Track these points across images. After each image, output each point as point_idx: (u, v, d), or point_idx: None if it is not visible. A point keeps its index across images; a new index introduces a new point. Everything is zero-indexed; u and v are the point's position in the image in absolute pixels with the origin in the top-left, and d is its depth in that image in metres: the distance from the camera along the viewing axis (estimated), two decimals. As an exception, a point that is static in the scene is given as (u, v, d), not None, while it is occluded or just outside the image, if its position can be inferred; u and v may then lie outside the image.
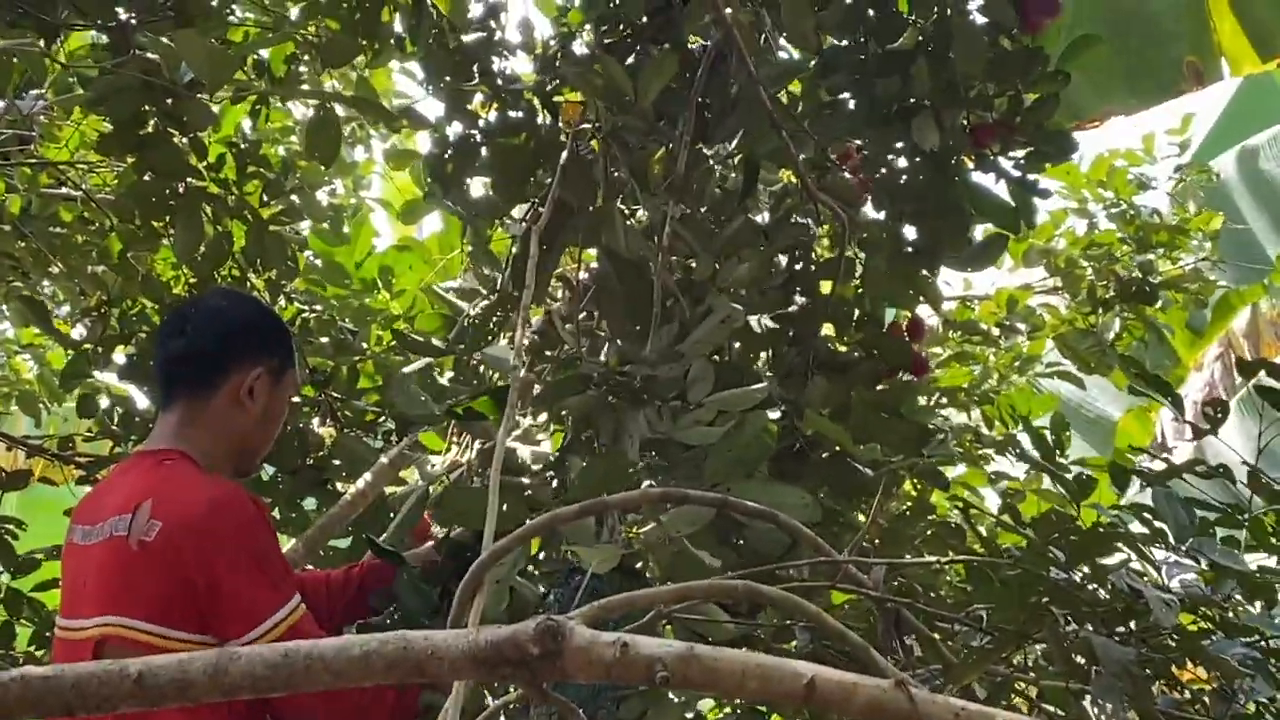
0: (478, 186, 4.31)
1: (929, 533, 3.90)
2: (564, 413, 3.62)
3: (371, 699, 3.18)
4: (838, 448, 3.54)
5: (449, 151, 4.09)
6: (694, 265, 3.72)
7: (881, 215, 4.02)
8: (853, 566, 2.69)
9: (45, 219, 5.54)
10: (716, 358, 3.78)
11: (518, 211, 4.15)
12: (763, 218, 4.13)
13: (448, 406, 3.61)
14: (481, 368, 4.03)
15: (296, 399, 5.17)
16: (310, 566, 4.13)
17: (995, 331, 6.40)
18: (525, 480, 3.49)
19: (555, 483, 3.49)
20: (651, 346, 3.57)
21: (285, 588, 3.17)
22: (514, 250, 4.08)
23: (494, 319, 4.02)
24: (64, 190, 5.69)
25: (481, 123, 4.19)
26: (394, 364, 5.11)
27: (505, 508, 3.19)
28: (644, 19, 4.04)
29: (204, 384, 3.34)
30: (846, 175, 4.11)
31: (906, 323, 4.28)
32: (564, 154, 3.81)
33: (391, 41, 4.77)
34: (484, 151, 4.07)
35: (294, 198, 5.19)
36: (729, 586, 2.14)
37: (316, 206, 6.18)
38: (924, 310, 4.31)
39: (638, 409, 3.43)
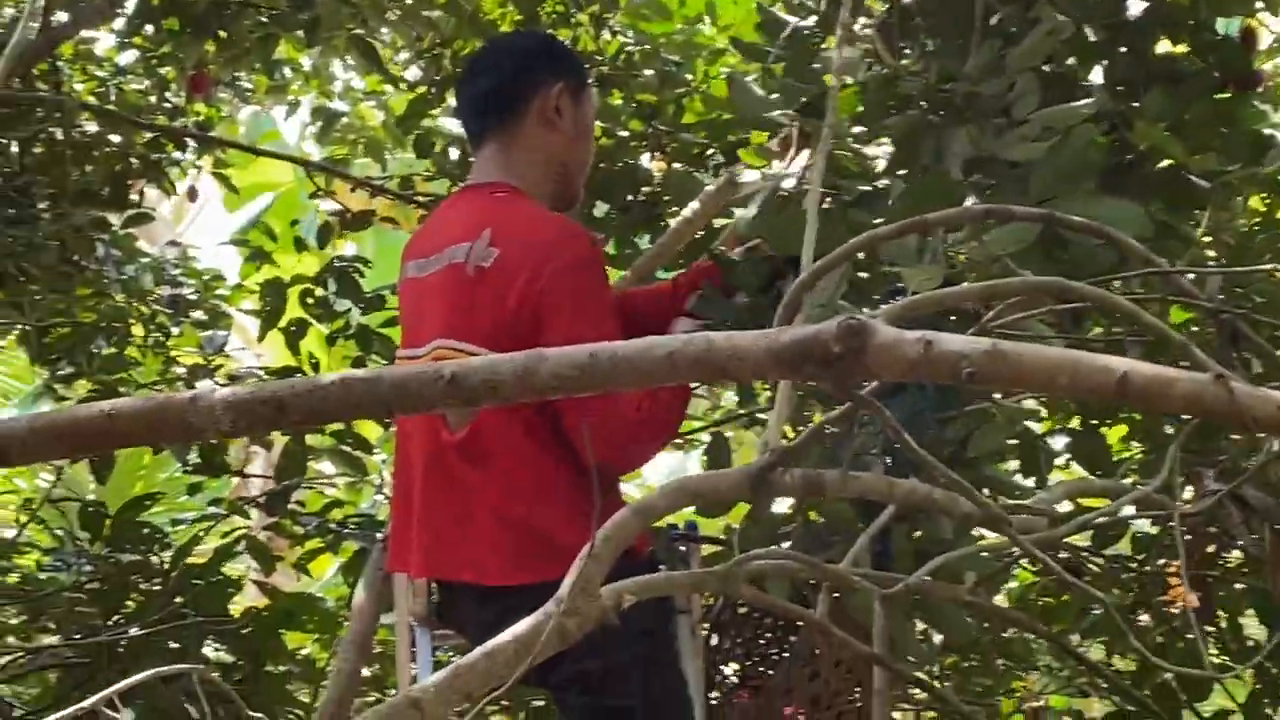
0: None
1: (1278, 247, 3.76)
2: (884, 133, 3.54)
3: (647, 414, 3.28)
4: (1171, 161, 3.39)
5: None
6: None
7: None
8: (1184, 279, 2.60)
9: (381, -38, 5.64)
10: (1047, 67, 3.65)
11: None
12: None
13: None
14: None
15: (624, 133, 5.22)
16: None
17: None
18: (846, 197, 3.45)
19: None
20: (974, 62, 3.46)
21: (611, 330, 3.25)
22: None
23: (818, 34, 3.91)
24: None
25: None
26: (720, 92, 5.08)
27: (826, 229, 3.18)
28: None
29: (512, 113, 3.44)
30: None
31: (1241, 32, 4.05)
32: None
33: None
34: None
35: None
36: (1040, 283, 2.09)
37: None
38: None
39: (960, 127, 3.34)
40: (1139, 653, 3.20)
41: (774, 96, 3.66)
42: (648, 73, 5.29)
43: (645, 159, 5.22)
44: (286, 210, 9.90)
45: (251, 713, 4.03)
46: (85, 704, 2.00)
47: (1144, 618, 4.57)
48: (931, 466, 1.95)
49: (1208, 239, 3.94)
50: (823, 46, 3.71)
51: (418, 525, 3.35)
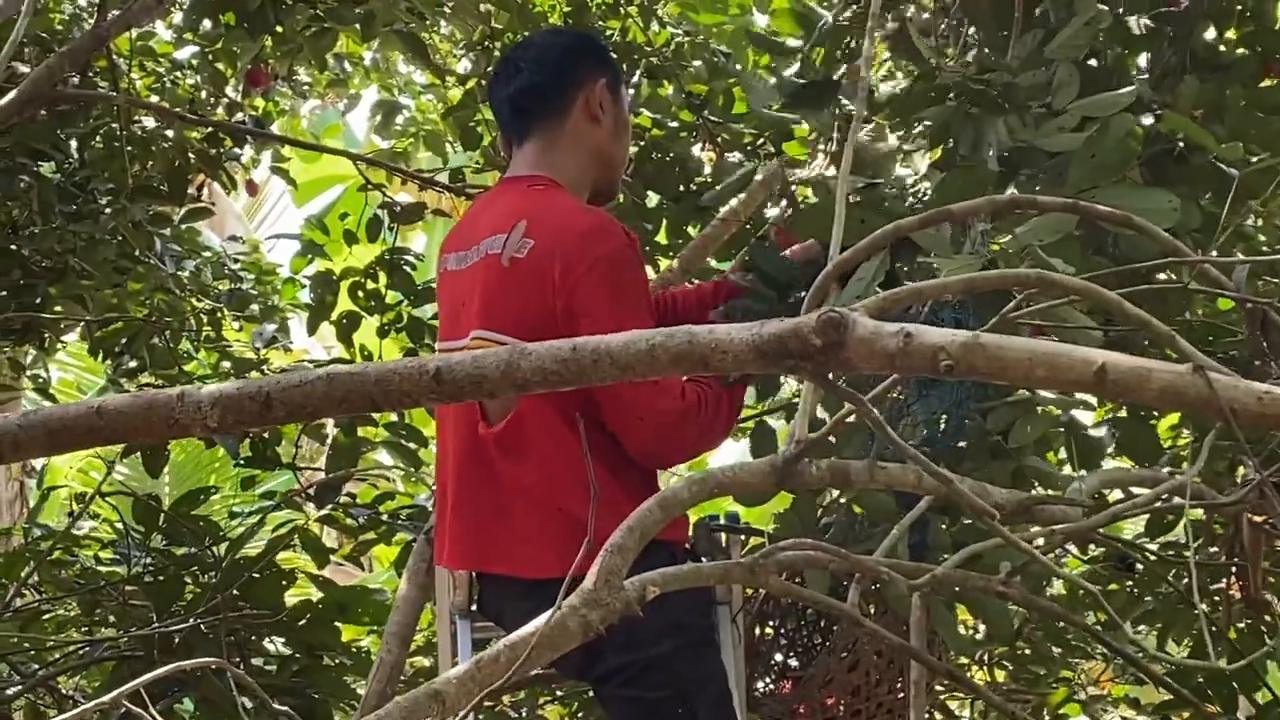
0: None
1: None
2: (920, 125, 3.54)
3: (691, 409, 3.28)
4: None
5: None
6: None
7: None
8: (1213, 267, 2.57)
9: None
10: (1093, 62, 3.63)
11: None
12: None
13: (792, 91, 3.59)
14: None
15: (674, 124, 5.22)
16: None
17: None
18: (885, 191, 3.44)
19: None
20: (1013, 53, 3.45)
21: (644, 323, 3.26)
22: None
23: (849, 32, 3.90)
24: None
25: None
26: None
27: (864, 222, 3.17)
28: None
29: (556, 109, 3.47)
30: None
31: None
32: None
33: None
34: None
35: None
36: (1018, 275, 2.08)
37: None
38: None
39: (997, 117, 3.33)
40: (1138, 648, 3.18)
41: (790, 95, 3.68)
42: (697, 64, 5.29)
43: (696, 149, 5.23)
44: (354, 204, 9.97)
45: (296, 706, 4.11)
46: (106, 698, 2.03)
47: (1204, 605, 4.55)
48: (914, 458, 1.95)
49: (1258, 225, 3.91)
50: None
51: (453, 517, 3.37)
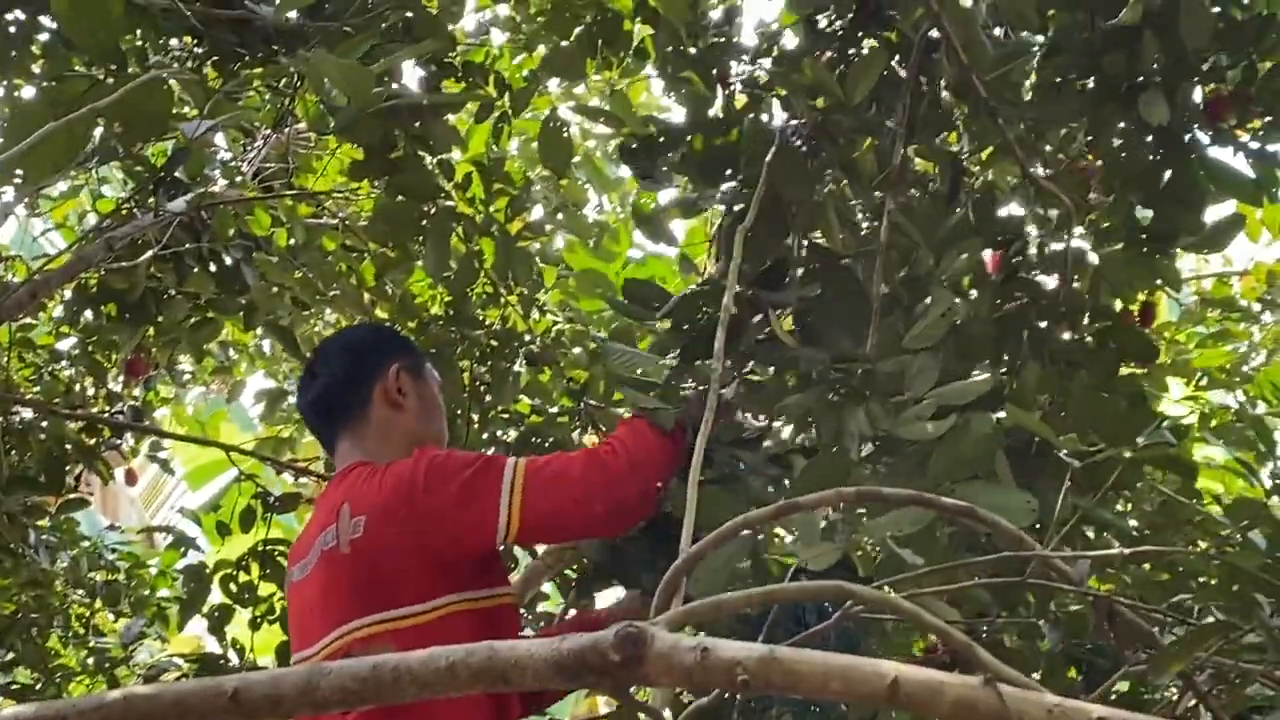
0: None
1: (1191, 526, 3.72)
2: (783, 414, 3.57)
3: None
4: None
5: (644, 143, 4.03)
6: (913, 260, 3.64)
7: (1111, 199, 3.87)
8: (1060, 561, 2.59)
9: (313, 249, 5.74)
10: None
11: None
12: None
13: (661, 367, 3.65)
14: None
15: (554, 409, 5.25)
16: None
17: (1257, 308, 6.10)
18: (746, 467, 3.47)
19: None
20: (872, 342, 3.50)
21: (491, 470, 3.29)
22: (717, 249, 4.05)
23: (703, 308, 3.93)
24: (324, 220, 5.89)
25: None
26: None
27: (722, 503, 3.17)
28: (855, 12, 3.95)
29: (356, 403, 3.58)
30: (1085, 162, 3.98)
31: (1139, 308, 4.13)
32: (771, 149, 3.74)
33: (631, 53, 4.85)
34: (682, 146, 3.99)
35: (539, 208, 5.27)
36: (819, 588, 2.10)
37: (582, 223, 6.28)
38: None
39: (858, 406, 3.37)
40: None
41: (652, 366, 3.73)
42: (577, 350, 5.35)
43: (575, 434, 5.24)
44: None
45: None
46: None
47: None
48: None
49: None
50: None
51: None
